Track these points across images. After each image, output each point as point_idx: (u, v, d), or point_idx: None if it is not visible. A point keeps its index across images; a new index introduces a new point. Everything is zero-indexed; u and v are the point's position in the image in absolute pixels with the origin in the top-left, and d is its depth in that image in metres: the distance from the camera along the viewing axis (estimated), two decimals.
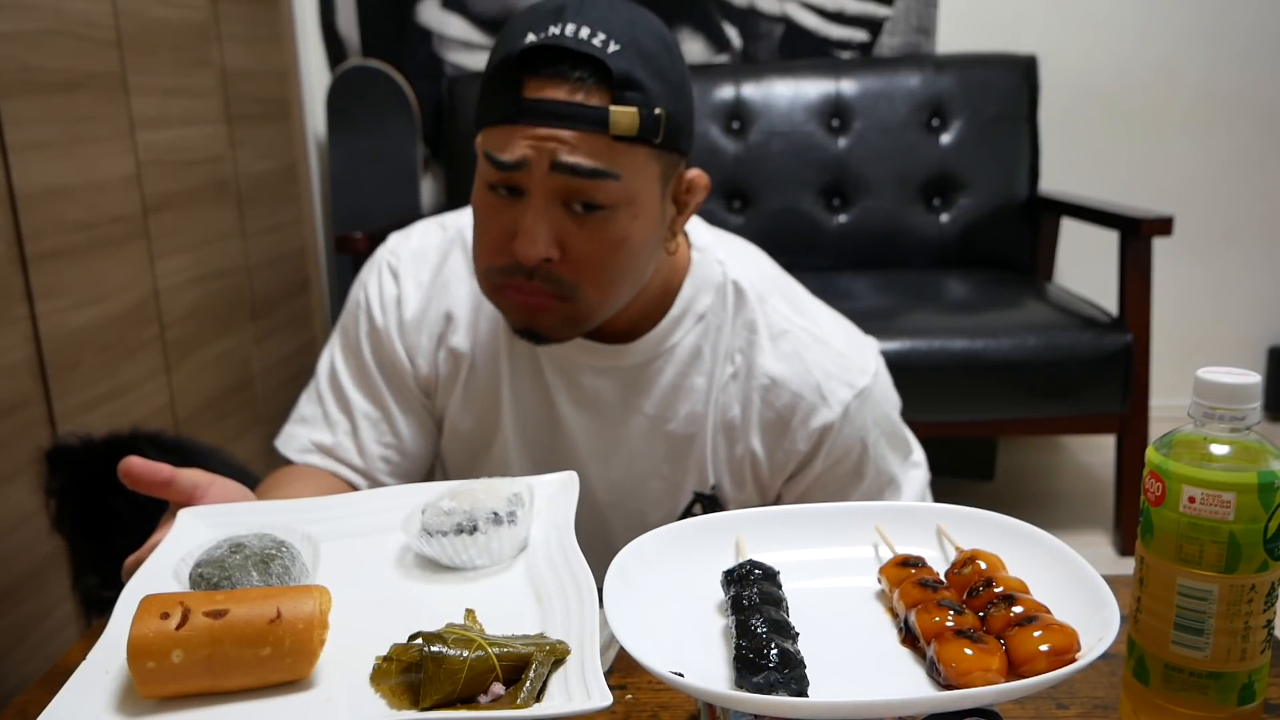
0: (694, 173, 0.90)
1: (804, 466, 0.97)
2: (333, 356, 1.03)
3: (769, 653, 0.52)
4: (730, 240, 1.02)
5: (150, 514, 0.77)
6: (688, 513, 1.00)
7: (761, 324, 0.96)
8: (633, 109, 0.79)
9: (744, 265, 0.99)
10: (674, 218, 0.90)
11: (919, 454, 1.04)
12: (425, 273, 1.00)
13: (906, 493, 1.00)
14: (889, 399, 1.00)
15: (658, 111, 0.80)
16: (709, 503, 0.99)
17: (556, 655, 0.54)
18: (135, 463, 0.72)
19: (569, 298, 0.84)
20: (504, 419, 0.98)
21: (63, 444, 1.12)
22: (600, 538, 1.00)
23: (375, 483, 1.00)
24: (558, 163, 0.79)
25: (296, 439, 1.00)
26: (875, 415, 0.97)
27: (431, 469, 1.07)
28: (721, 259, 0.98)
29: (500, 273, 0.85)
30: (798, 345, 0.96)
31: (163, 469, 0.72)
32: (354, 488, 0.99)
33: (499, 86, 0.81)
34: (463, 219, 1.02)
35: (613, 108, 0.78)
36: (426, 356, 0.99)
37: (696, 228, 1.01)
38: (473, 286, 0.99)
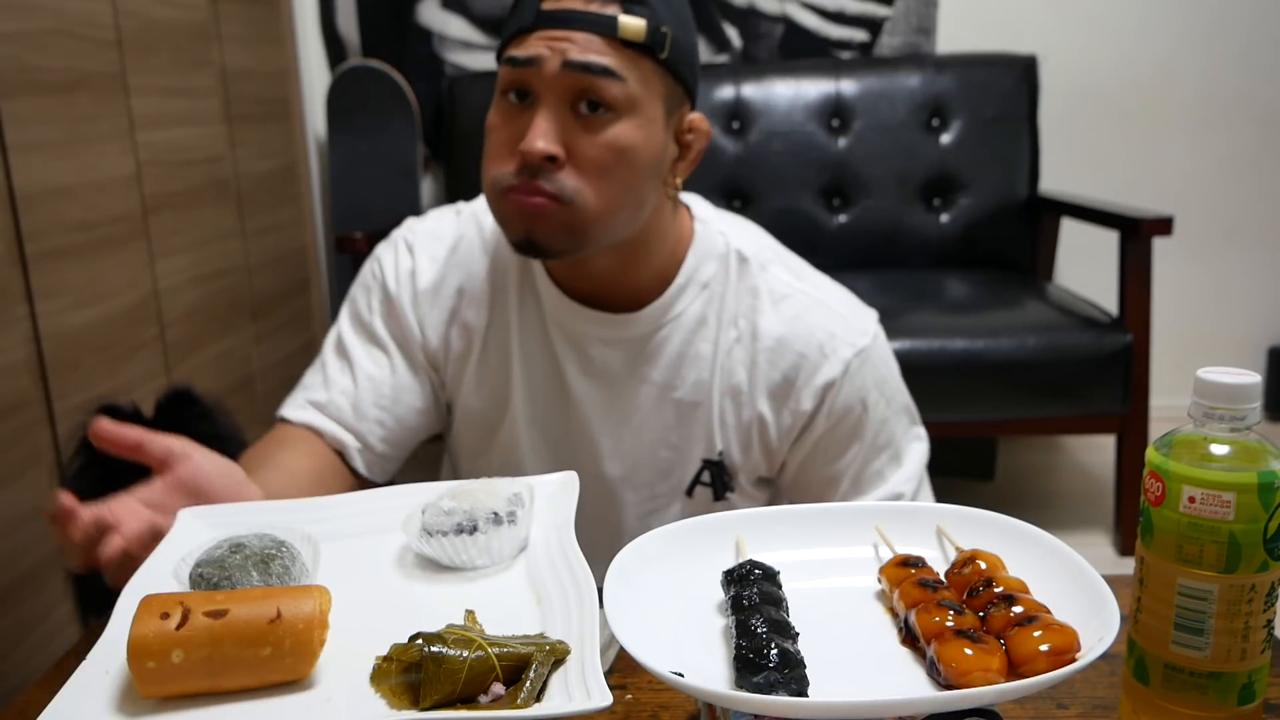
0: (696, 115, 0.94)
1: (807, 427, 0.98)
2: (340, 328, 1.04)
3: (769, 653, 0.52)
4: (731, 216, 1.05)
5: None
6: (695, 481, 1.01)
7: (764, 289, 0.98)
8: (640, 20, 0.86)
9: (746, 236, 1.02)
10: (674, 159, 0.93)
11: (922, 427, 1.05)
12: (440, 249, 1.02)
13: (906, 464, 1.01)
14: (888, 363, 1.02)
15: (663, 29, 0.87)
16: (716, 469, 1.00)
17: (556, 655, 0.54)
18: (104, 426, 0.73)
19: (568, 202, 0.86)
20: (514, 394, 1.00)
21: (112, 405, 1.10)
22: (609, 511, 1.01)
23: (365, 445, 0.99)
24: (569, 61, 0.84)
25: (294, 400, 1.01)
26: (875, 377, 0.99)
27: (438, 464, 1.07)
28: (724, 230, 1.01)
29: (506, 177, 0.87)
30: (800, 308, 0.98)
31: (130, 433, 0.74)
32: (342, 451, 0.99)
33: (521, 5, 0.88)
34: (477, 205, 1.05)
35: (621, 16, 0.85)
36: (437, 330, 1.01)
37: (698, 203, 1.03)
38: (487, 264, 1.01)
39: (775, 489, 1.04)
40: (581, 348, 0.99)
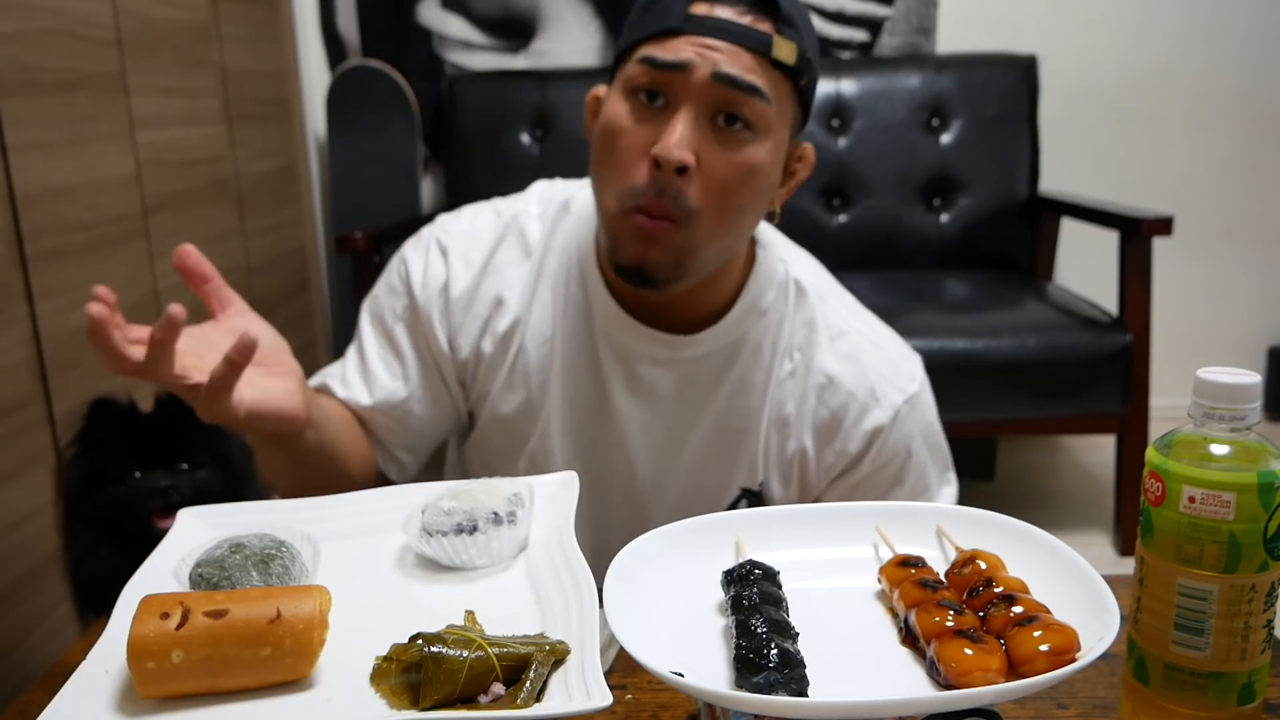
0: (807, 145, 0.93)
1: (850, 469, 0.97)
2: (361, 328, 1.02)
3: (769, 653, 0.52)
4: (788, 242, 1.04)
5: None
6: (731, 508, 0.98)
7: (821, 323, 0.97)
8: (792, 43, 0.84)
9: (804, 265, 1.01)
10: (777, 186, 0.91)
11: (953, 472, 1.05)
12: (476, 253, 0.98)
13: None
14: (932, 409, 1.01)
15: (808, 55, 0.85)
16: (755, 499, 0.99)
17: (556, 655, 0.54)
18: (191, 251, 0.78)
19: (685, 224, 0.84)
20: (551, 403, 0.97)
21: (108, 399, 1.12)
22: (637, 529, 0.99)
23: (378, 441, 1.00)
24: (719, 72, 0.81)
25: (312, 379, 1.00)
26: (921, 424, 0.98)
27: (465, 463, 1.06)
28: (784, 257, 0.99)
29: (632, 195, 0.84)
30: (855, 347, 0.97)
31: (208, 268, 0.80)
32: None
33: (663, 5, 0.84)
34: (518, 205, 1.01)
35: (776, 36, 0.83)
36: (469, 340, 0.98)
37: (760, 226, 1.00)
38: (528, 269, 0.98)
39: None
40: (630, 365, 0.96)
